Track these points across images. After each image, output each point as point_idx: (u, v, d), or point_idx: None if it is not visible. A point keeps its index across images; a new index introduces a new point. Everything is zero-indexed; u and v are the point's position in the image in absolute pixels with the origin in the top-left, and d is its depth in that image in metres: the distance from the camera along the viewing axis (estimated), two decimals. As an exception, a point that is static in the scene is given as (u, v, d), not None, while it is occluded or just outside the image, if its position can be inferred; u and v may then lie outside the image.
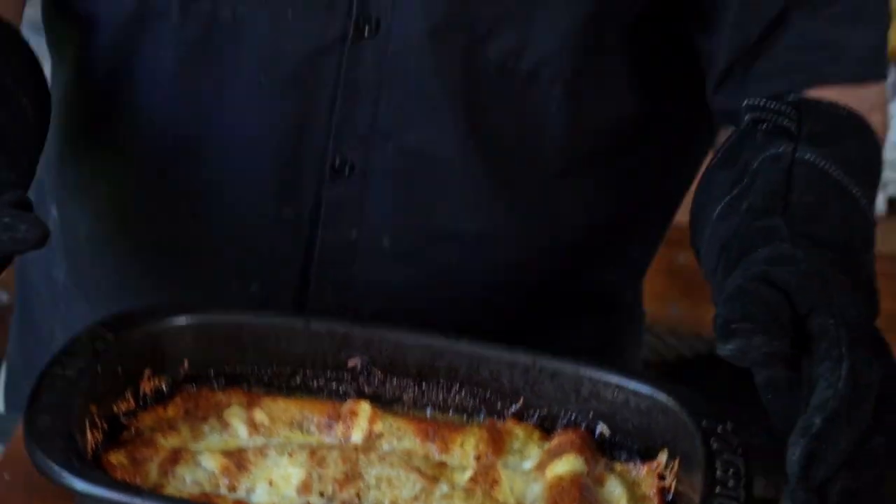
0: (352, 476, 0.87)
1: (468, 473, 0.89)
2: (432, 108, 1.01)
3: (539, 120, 1.03)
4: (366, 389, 0.98)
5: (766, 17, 0.99)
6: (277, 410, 0.94)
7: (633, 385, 0.93)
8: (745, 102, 0.97)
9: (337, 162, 1.03)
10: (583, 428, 0.93)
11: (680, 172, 1.17)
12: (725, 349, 0.73)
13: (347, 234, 1.06)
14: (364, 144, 1.02)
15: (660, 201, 1.20)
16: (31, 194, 0.86)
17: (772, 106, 0.95)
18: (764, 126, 0.95)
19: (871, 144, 1.00)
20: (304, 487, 0.86)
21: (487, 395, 0.97)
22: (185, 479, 0.85)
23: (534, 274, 1.14)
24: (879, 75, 1.05)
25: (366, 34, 0.97)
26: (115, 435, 0.88)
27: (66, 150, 1.17)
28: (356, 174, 1.03)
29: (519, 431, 0.94)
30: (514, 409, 0.96)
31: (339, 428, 0.94)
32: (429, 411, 0.98)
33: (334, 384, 0.99)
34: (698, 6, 1.00)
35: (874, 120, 1.01)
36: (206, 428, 0.93)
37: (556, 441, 0.92)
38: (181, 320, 0.96)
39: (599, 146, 1.08)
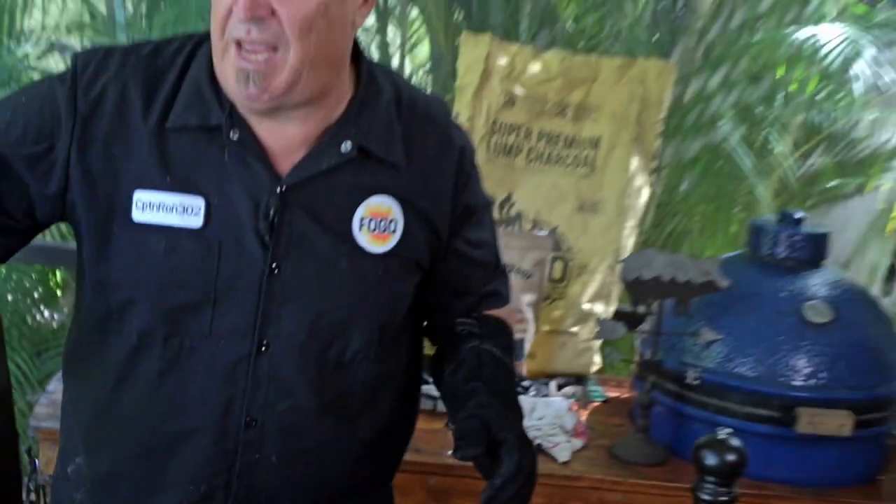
0: None
1: None
2: (298, 386, 1.59)
3: (352, 383, 1.64)
4: None
5: (469, 304, 1.80)
6: None
7: None
8: (456, 321, 1.76)
9: (247, 418, 1.57)
10: None
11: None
12: (457, 454, 1.47)
13: (252, 457, 1.59)
14: (262, 408, 1.57)
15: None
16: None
17: (467, 321, 1.76)
18: (464, 331, 1.74)
19: (510, 335, 1.84)
20: None
21: None
22: None
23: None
24: (507, 302, 1.90)
25: (261, 350, 1.55)
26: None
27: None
28: (257, 425, 1.57)
29: None
30: None
31: None
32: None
33: None
34: (437, 304, 1.79)
35: (511, 320, 1.90)
36: None
37: None
38: None
39: (386, 384, 1.71)
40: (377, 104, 1.58)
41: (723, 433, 1.60)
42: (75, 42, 4.68)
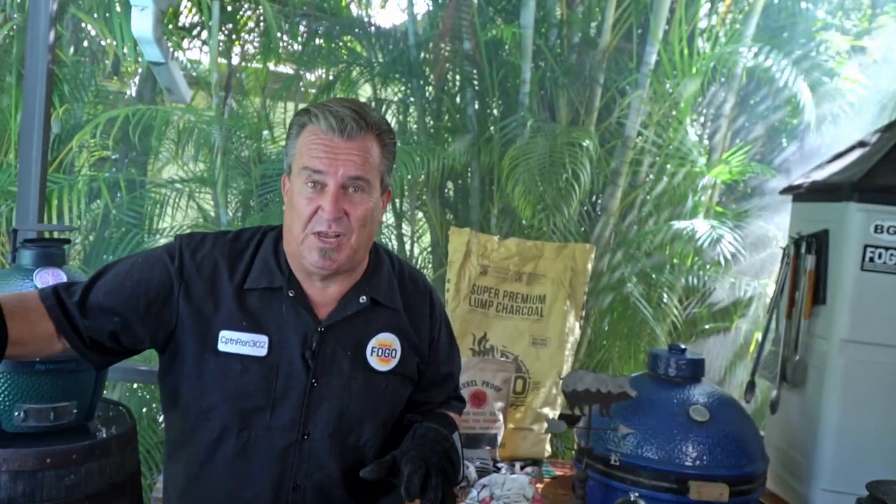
0: None
1: None
2: (329, 461, 1.61)
3: (364, 459, 1.63)
4: None
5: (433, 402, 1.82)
6: None
7: None
8: (405, 416, 1.77)
9: (293, 484, 1.59)
10: None
11: None
12: (363, 473, 1.50)
13: None
14: (304, 477, 1.59)
15: None
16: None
17: (413, 416, 1.77)
18: (409, 421, 1.76)
19: (446, 416, 1.79)
20: None
21: None
22: None
23: None
24: (462, 408, 1.98)
25: (304, 438, 1.58)
26: None
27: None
28: (300, 489, 1.60)
29: None
30: None
31: None
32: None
33: None
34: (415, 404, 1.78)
35: (457, 420, 1.86)
36: None
37: None
38: None
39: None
40: (381, 270, 1.68)
41: (633, 496, 1.56)
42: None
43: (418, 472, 1.48)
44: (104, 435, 2.41)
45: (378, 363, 1.64)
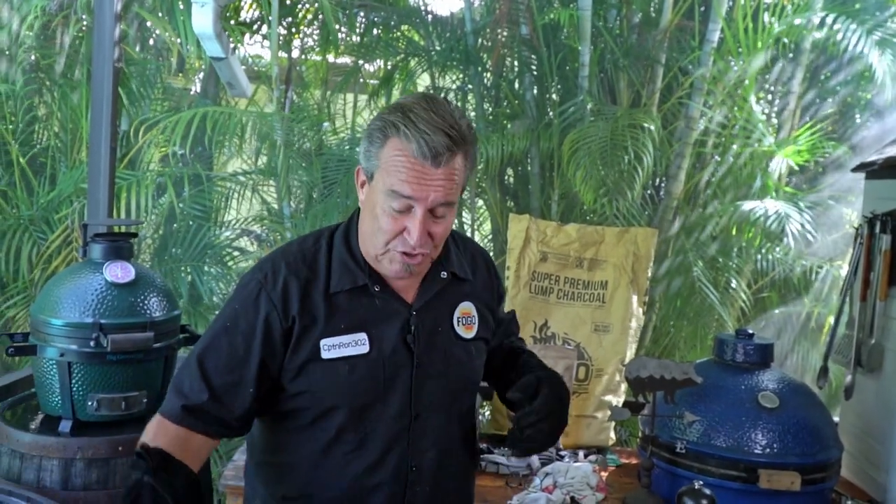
0: None
1: None
2: (441, 436, 1.64)
3: (467, 428, 1.72)
4: None
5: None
6: None
7: None
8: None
9: (411, 466, 1.60)
10: None
11: None
12: (508, 394, 1.60)
13: (415, 490, 1.62)
14: (419, 456, 1.61)
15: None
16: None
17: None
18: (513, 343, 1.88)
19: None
20: None
21: None
22: None
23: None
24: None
25: (416, 419, 1.59)
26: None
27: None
28: (417, 469, 1.61)
29: None
30: None
31: None
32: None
33: None
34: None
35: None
36: None
37: None
38: None
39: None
40: (450, 248, 1.67)
41: (697, 484, 1.51)
42: (257, 229, 4.77)
43: (547, 405, 1.56)
44: (173, 424, 2.46)
45: (464, 331, 1.67)
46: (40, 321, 2.36)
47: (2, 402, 2.59)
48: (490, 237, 4.61)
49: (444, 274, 1.65)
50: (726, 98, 4.03)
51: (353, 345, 1.55)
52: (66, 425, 2.33)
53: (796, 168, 4.10)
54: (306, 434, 1.60)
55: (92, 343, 2.28)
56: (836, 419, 2.65)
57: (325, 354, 1.54)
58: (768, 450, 2.22)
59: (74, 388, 2.33)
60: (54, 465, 2.28)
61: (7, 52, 4.27)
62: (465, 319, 1.67)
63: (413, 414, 1.59)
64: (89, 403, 2.33)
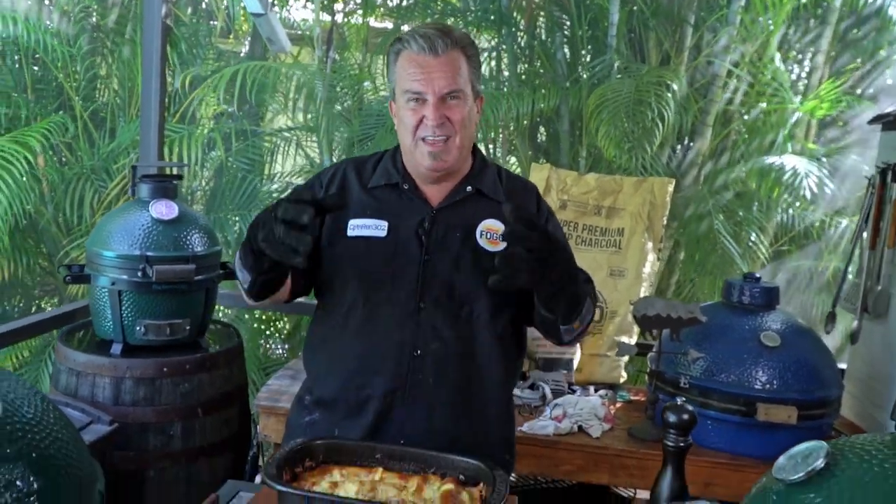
0: (373, 490, 1.40)
1: (412, 490, 1.41)
2: (444, 331, 1.70)
3: (477, 337, 1.73)
4: (383, 464, 1.48)
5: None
6: (348, 472, 1.46)
7: (471, 462, 1.45)
8: None
9: (414, 352, 1.68)
10: (455, 476, 1.44)
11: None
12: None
13: (417, 378, 1.69)
14: (423, 345, 1.68)
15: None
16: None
17: None
18: None
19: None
20: (357, 493, 1.39)
21: (421, 468, 1.47)
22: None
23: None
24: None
25: (420, 308, 1.68)
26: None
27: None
28: (420, 356, 1.68)
29: (433, 479, 1.44)
30: (431, 471, 1.46)
31: (370, 476, 1.45)
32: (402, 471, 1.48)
33: (373, 462, 1.48)
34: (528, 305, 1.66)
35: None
36: (326, 476, 1.45)
37: (446, 481, 1.43)
38: (321, 444, 1.50)
39: (499, 350, 1.75)
40: (486, 170, 1.81)
41: (680, 401, 1.55)
42: (300, 182, 4.85)
43: (522, 232, 1.37)
44: (214, 350, 2.58)
45: (488, 244, 1.71)
46: (94, 253, 2.48)
47: (63, 328, 2.74)
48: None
49: (469, 188, 1.75)
50: (752, 56, 3.97)
51: (373, 228, 1.72)
52: (116, 348, 2.47)
53: (814, 120, 4.03)
54: (333, 303, 1.75)
55: (139, 273, 2.40)
56: (842, 365, 2.65)
57: (349, 232, 1.72)
58: (768, 385, 2.25)
59: (124, 315, 2.45)
60: (106, 382, 2.41)
61: (69, 13, 4.40)
62: (490, 234, 1.72)
63: (418, 304, 1.68)
64: (137, 328, 2.46)
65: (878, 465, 1.08)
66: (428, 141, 1.65)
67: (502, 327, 1.74)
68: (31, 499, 1.28)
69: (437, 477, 1.44)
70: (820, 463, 1.11)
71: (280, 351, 4.58)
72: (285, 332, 4.54)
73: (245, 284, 1.65)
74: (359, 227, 1.73)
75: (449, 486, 1.41)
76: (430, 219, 1.72)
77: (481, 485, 1.42)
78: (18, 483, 1.27)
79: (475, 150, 1.82)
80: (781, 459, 1.17)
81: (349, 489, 1.40)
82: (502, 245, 1.61)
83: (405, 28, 4.87)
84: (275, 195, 4.60)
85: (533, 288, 1.48)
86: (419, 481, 1.43)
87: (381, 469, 1.46)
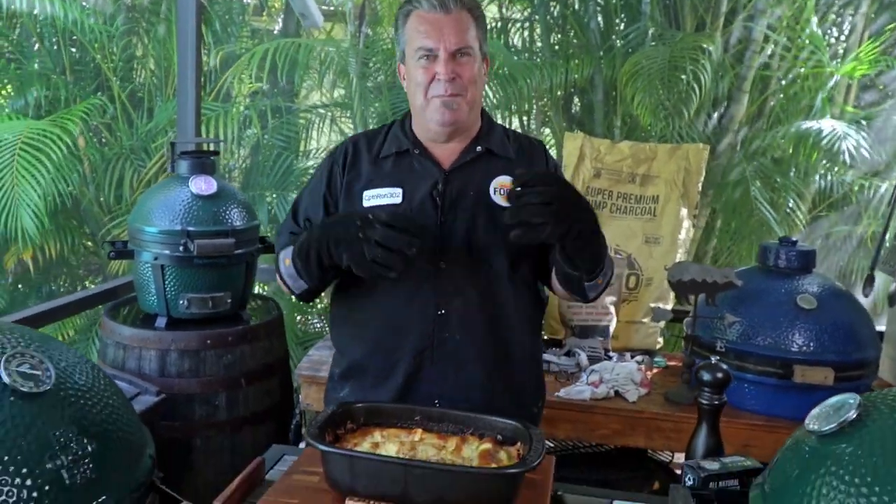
0: (413, 450, 1.43)
1: (451, 450, 1.43)
2: (466, 288, 1.73)
3: (499, 293, 1.75)
4: (422, 425, 1.51)
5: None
6: (388, 433, 1.49)
7: (508, 422, 1.48)
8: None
9: (438, 311, 1.71)
10: (493, 436, 1.47)
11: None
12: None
13: (443, 336, 1.72)
14: (446, 303, 1.72)
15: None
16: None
17: None
18: None
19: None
20: (397, 452, 1.41)
21: (459, 428, 1.50)
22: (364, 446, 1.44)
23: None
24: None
25: (442, 268, 1.72)
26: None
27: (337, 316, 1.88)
28: (445, 314, 1.72)
29: (471, 439, 1.47)
30: (469, 432, 1.49)
31: (410, 437, 1.48)
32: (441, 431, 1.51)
33: (412, 423, 1.52)
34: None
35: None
36: (367, 437, 1.48)
37: (484, 441, 1.46)
38: (361, 408, 1.53)
39: (519, 306, 1.78)
40: (494, 130, 1.84)
41: (714, 359, 1.57)
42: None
43: (544, 179, 1.49)
44: (255, 323, 2.65)
45: (502, 200, 1.73)
46: (136, 229, 2.55)
47: (107, 304, 2.83)
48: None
49: (479, 148, 1.78)
50: (789, 20, 3.90)
51: (388, 196, 1.75)
52: (161, 321, 2.54)
53: (853, 84, 3.95)
54: (349, 284, 1.78)
55: (181, 248, 2.46)
56: (881, 328, 2.63)
57: (365, 203, 1.75)
58: (805, 348, 2.25)
59: (167, 289, 2.52)
60: (152, 355, 2.49)
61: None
62: (503, 190, 1.73)
63: (439, 264, 1.72)
64: (181, 302, 2.53)
65: (911, 416, 1.09)
66: (440, 96, 1.69)
67: (522, 281, 1.78)
68: (86, 461, 1.35)
69: (476, 437, 1.47)
70: (852, 414, 1.13)
71: (319, 325, 4.64)
72: (322, 306, 4.61)
73: (298, 290, 1.73)
74: (374, 196, 1.76)
75: (487, 445, 1.44)
76: (443, 181, 1.75)
77: (518, 444, 1.45)
78: (73, 446, 1.33)
79: (483, 111, 1.85)
80: (814, 411, 1.19)
81: (390, 449, 1.43)
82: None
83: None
84: (310, 171, 4.66)
85: (557, 241, 1.50)
86: (458, 441, 1.46)
87: (420, 430, 1.49)
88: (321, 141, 4.78)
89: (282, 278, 1.77)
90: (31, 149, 3.75)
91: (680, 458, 2.85)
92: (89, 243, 4.68)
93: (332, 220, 1.67)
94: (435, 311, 1.72)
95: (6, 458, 1.24)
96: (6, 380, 1.31)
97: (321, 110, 4.73)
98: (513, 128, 2.02)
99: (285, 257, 1.72)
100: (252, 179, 4.54)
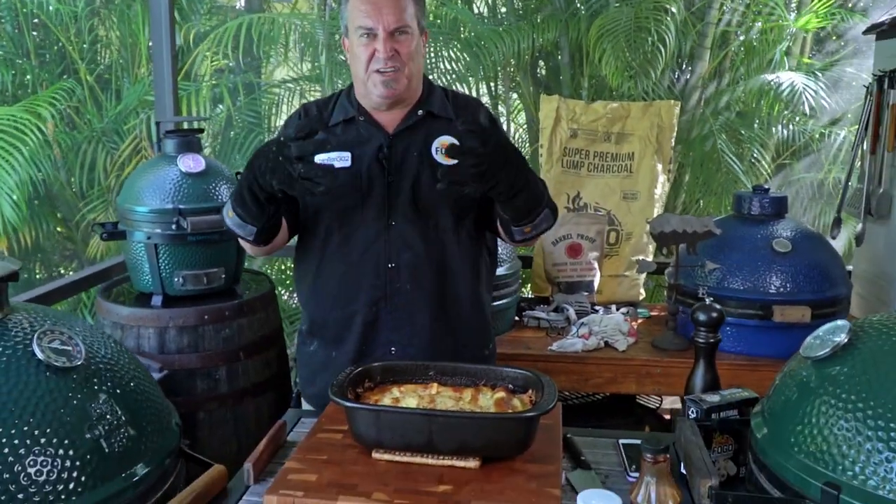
0: (432, 403, 1.50)
1: (468, 400, 1.52)
2: (415, 242, 1.83)
3: (447, 246, 1.85)
4: (437, 380, 1.58)
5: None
6: (406, 389, 1.56)
7: (518, 371, 1.55)
8: None
9: (389, 264, 1.81)
10: (505, 385, 1.54)
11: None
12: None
13: (395, 286, 1.81)
14: (396, 256, 1.82)
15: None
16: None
17: None
18: None
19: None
20: (417, 405, 1.48)
21: (472, 381, 1.57)
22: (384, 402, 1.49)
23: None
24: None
25: (391, 225, 1.80)
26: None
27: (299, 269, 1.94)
28: (395, 267, 1.81)
29: (485, 389, 1.55)
30: (481, 383, 1.56)
31: (427, 391, 1.55)
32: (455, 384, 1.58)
33: (427, 379, 1.58)
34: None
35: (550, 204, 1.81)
36: (386, 394, 1.54)
37: (497, 390, 1.53)
38: (377, 367, 1.59)
39: (465, 260, 1.88)
40: (434, 93, 1.93)
41: (708, 300, 1.66)
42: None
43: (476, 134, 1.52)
44: (250, 296, 2.69)
45: (444, 159, 1.77)
46: (126, 210, 2.56)
47: (99, 285, 2.84)
48: (525, 126, 4.69)
49: (420, 112, 1.87)
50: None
51: (338, 160, 1.83)
52: (157, 299, 2.56)
53: (809, 36, 4.07)
54: (311, 235, 1.89)
55: (174, 226, 2.48)
56: (849, 267, 2.77)
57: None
58: (782, 289, 2.37)
59: (162, 267, 2.55)
60: (150, 333, 2.51)
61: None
62: (444, 150, 1.78)
63: (388, 221, 1.83)
64: (176, 280, 2.55)
65: (895, 336, 1.19)
66: (380, 72, 1.77)
67: (466, 233, 1.89)
68: (122, 430, 1.40)
69: (488, 388, 1.55)
70: (843, 339, 1.23)
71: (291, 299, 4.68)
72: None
73: (250, 236, 1.77)
74: (324, 160, 1.79)
75: (501, 394, 1.52)
76: (388, 144, 1.85)
77: (530, 391, 1.53)
78: (109, 417, 1.38)
79: (425, 79, 1.94)
80: (808, 340, 1.29)
81: (410, 403, 1.50)
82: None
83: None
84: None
85: (486, 193, 1.60)
86: (473, 392, 1.54)
87: (435, 384, 1.57)
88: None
89: (234, 233, 1.82)
90: (5, 135, 3.71)
91: (667, 403, 2.98)
92: (62, 229, 4.65)
93: (253, 155, 1.70)
94: (386, 264, 1.83)
95: (48, 430, 1.29)
96: (40, 356, 1.35)
97: (290, 85, 4.73)
98: (482, 94, 2.11)
99: (227, 210, 1.78)
100: (224, 157, 4.54)
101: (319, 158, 1.76)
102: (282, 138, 1.57)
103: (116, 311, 2.56)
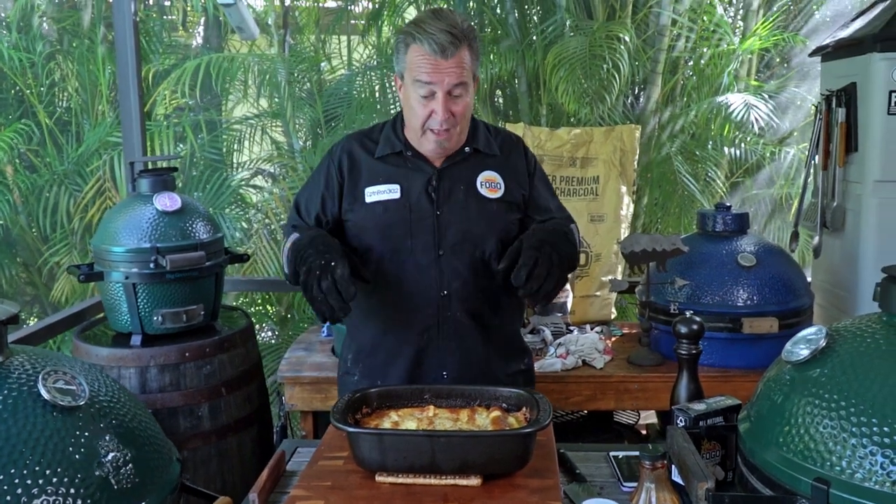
0: (430, 425, 1.56)
1: (465, 420, 1.57)
2: (464, 271, 1.91)
3: (489, 268, 1.91)
4: (433, 402, 1.63)
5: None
6: (404, 413, 1.60)
7: (511, 391, 1.63)
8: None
9: (441, 292, 1.89)
10: (499, 405, 1.60)
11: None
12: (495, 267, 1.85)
13: (446, 314, 1.91)
14: (447, 285, 1.90)
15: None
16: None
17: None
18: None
19: (556, 220, 1.98)
20: (417, 424, 1.53)
21: (467, 402, 1.63)
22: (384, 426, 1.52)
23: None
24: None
25: (440, 255, 1.88)
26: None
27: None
28: (446, 295, 1.90)
29: (480, 410, 1.61)
30: (476, 403, 1.63)
31: (424, 414, 1.60)
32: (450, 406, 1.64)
33: (423, 402, 1.64)
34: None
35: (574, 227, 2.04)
36: (385, 418, 1.58)
37: (492, 410, 1.59)
38: (374, 392, 1.64)
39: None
40: (478, 130, 2.01)
41: (689, 314, 1.74)
42: (269, 167, 4.92)
43: (527, 264, 1.70)
44: (229, 332, 2.70)
45: (488, 192, 1.94)
46: (103, 250, 2.56)
47: (76, 327, 2.82)
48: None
49: (467, 149, 1.96)
50: (693, 3, 4.18)
51: (387, 192, 1.93)
52: (136, 339, 2.56)
53: (754, 59, 4.26)
54: (363, 264, 1.94)
55: (152, 265, 2.49)
56: (808, 278, 2.89)
57: (367, 199, 1.95)
58: (749, 302, 2.47)
59: (141, 306, 2.55)
60: (132, 373, 2.51)
61: (22, 23, 4.38)
62: (489, 184, 1.95)
63: (438, 252, 1.91)
64: (155, 318, 2.56)
65: (870, 338, 1.28)
66: (435, 131, 1.84)
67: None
68: (128, 467, 1.42)
69: (483, 408, 1.60)
70: (822, 343, 1.31)
71: (270, 334, 4.67)
72: (276, 317, 4.65)
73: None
74: (375, 193, 1.94)
75: (496, 413, 1.58)
76: (436, 177, 1.92)
77: (524, 409, 1.59)
78: (115, 453, 1.40)
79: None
80: (788, 345, 1.37)
81: (409, 426, 1.54)
82: (501, 192, 1.96)
83: (354, 9, 4.96)
84: (244, 184, 4.69)
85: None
86: (469, 413, 1.59)
87: (432, 407, 1.61)
88: (255, 151, 4.80)
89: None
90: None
91: (644, 419, 3.06)
92: (24, 274, 4.57)
93: (312, 250, 1.78)
94: (438, 293, 1.91)
95: (59, 469, 1.30)
96: (46, 396, 1.37)
97: (252, 121, 4.76)
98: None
99: (286, 249, 1.90)
100: (188, 195, 4.52)
101: (370, 191, 1.94)
102: (331, 265, 1.70)
103: (95, 353, 2.55)
